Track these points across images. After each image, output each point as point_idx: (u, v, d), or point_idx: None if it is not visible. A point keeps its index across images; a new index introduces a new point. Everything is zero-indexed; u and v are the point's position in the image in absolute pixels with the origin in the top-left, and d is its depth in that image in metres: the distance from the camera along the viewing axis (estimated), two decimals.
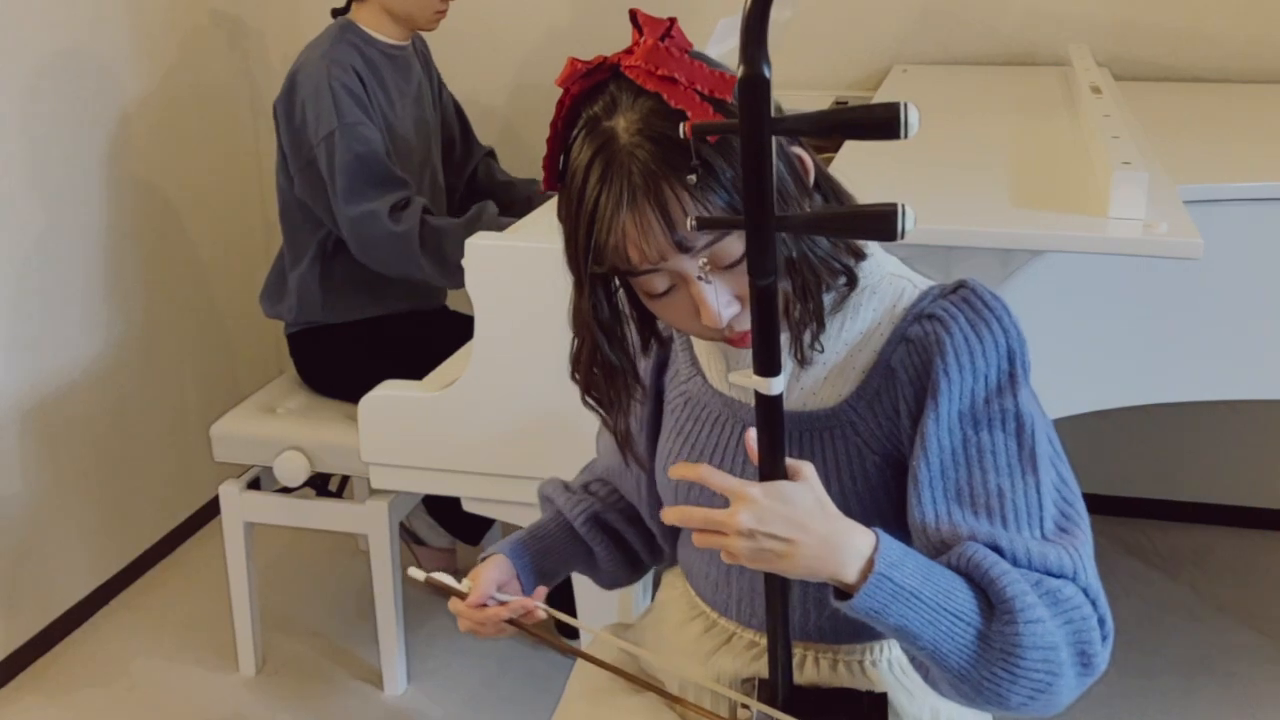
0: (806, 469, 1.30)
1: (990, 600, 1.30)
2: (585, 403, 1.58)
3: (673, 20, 1.41)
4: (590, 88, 1.41)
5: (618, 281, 1.48)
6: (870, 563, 1.26)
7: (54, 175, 3.31)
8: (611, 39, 3.88)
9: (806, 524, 1.26)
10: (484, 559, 1.71)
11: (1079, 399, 2.46)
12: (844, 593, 1.28)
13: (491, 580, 1.64)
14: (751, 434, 1.30)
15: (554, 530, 1.79)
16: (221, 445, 3.13)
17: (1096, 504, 3.87)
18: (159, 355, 3.75)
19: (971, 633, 1.28)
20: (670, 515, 1.33)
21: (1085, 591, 1.33)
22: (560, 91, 1.43)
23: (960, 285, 1.44)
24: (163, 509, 3.82)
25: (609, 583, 1.85)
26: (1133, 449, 3.84)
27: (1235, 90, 3.40)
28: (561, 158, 1.43)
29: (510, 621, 1.62)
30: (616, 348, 1.50)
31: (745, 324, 1.39)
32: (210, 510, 3.91)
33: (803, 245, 1.38)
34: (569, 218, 1.41)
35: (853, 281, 1.46)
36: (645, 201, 1.34)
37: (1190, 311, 2.48)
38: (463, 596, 1.62)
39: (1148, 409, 2.69)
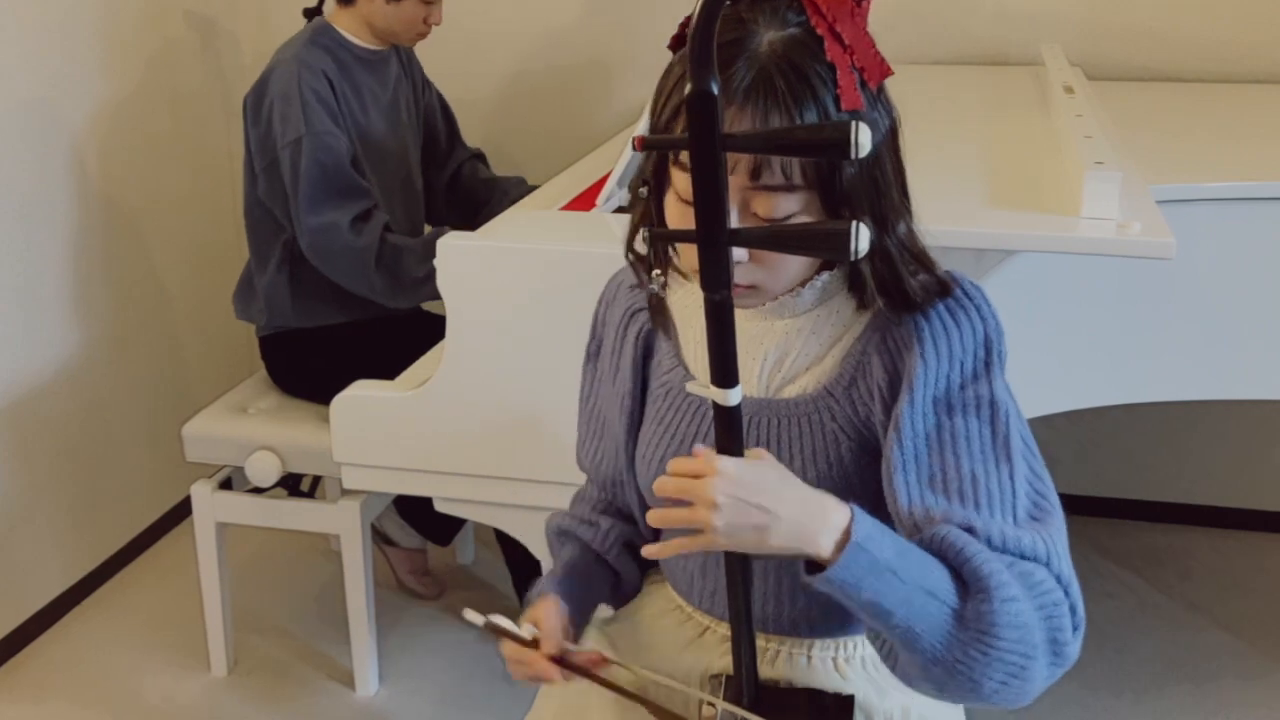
0: (764, 452, 1.30)
1: (965, 580, 1.28)
2: (626, 258, 1.58)
3: None
4: None
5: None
6: (846, 534, 1.25)
7: (27, 178, 3.29)
8: (604, 38, 3.88)
9: (780, 492, 1.25)
10: (533, 599, 1.63)
11: (1053, 399, 2.47)
12: (816, 568, 1.26)
13: (559, 629, 1.55)
14: (699, 448, 1.29)
15: (586, 565, 1.73)
16: (193, 445, 3.11)
17: (1071, 504, 3.86)
18: (131, 355, 3.73)
19: (946, 611, 1.26)
20: (652, 517, 1.31)
21: (1058, 578, 1.32)
22: None
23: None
24: (135, 509, 3.80)
25: (623, 603, 1.78)
26: (1108, 449, 3.85)
27: (1208, 90, 3.41)
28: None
29: (571, 667, 1.53)
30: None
31: (741, 276, 1.38)
32: (182, 510, 3.90)
33: (886, 241, 1.39)
34: (665, 80, 1.40)
35: (945, 289, 1.44)
36: (750, 109, 1.31)
37: (1164, 312, 2.49)
38: (524, 643, 1.53)
39: (1123, 409, 2.70)
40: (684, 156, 1.34)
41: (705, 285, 1.19)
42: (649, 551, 1.32)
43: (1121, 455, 3.86)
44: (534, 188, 3.36)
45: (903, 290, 1.41)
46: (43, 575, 3.46)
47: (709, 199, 1.15)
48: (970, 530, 1.32)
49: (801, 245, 1.21)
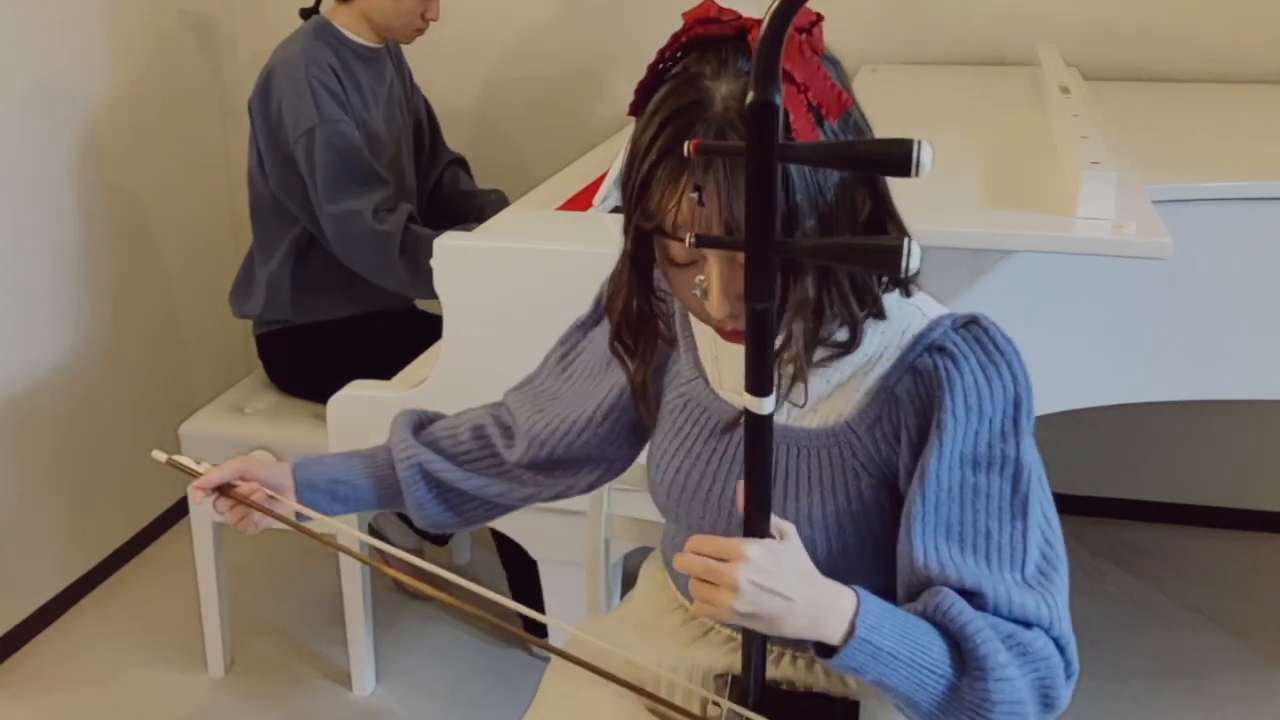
0: (790, 530, 1.31)
1: (964, 655, 1.33)
2: (612, 347, 1.58)
3: (820, 18, 1.36)
4: (709, 37, 1.37)
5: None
6: (852, 626, 1.28)
7: (24, 177, 3.29)
8: (598, 38, 3.88)
9: (799, 587, 1.27)
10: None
11: (1050, 399, 2.47)
12: (823, 647, 1.30)
13: (232, 471, 1.68)
14: (742, 485, 1.30)
15: (367, 463, 1.80)
16: (190, 445, 3.11)
17: (1068, 504, 3.87)
18: (128, 354, 3.73)
19: (943, 685, 1.32)
20: (678, 563, 1.31)
21: (1056, 640, 1.37)
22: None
23: (973, 321, 1.43)
24: (131, 509, 3.80)
25: (426, 525, 1.85)
26: (1104, 449, 3.85)
27: (1204, 90, 3.41)
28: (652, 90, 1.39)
29: (234, 497, 1.68)
30: (650, 296, 1.48)
31: (741, 324, 1.38)
32: (179, 510, 3.90)
33: (822, 290, 1.38)
34: (633, 153, 1.38)
35: (854, 341, 1.44)
36: (713, 174, 1.30)
37: (1160, 311, 2.49)
38: (196, 475, 1.69)
39: (1119, 409, 2.70)
40: (672, 230, 1.35)
41: (750, 295, 1.18)
42: (679, 565, 1.32)
43: (1120, 455, 3.86)
44: (509, 202, 3.38)
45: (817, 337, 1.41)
46: (40, 575, 3.46)
47: (761, 209, 1.14)
48: (980, 593, 1.35)
49: (852, 261, 1.20)
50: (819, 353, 1.43)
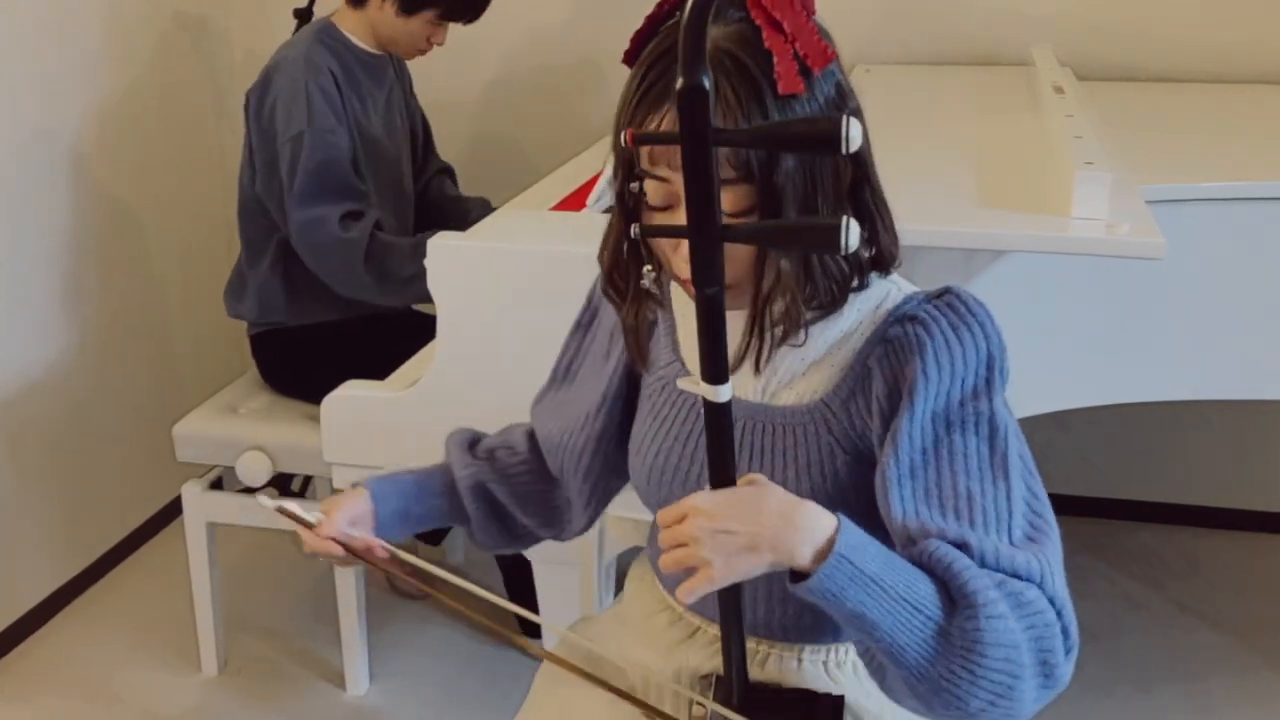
0: (757, 477, 1.30)
1: (952, 595, 1.27)
2: (605, 291, 1.57)
3: None
4: None
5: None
6: (831, 543, 1.24)
7: (17, 176, 3.29)
8: (593, 37, 3.87)
9: (758, 511, 1.25)
10: (350, 488, 1.73)
11: (1043, 399, 2.47)
12: (801, 576, 1.25)
13: (345, 517, 1.66)
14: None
15: (436, 483, 1.78)
16: (184, 445, 3.11)
17: (1061, 504, 3.87)
18: (121, 354, 3.73)
19: (931, 626, 1.25)
20: (664, 562, 1.29)
21: (1051, 599, 1.30)
22: None
23: (945, 291, 1.43)
24: (125, 509, 3.80)
25: (481, 545, 1.84)
26: (1097, 449, 3.85)
27: (1198, 90, 3.41)
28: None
29: (353, 552, 1.65)
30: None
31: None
32: (172, 511, 3.89)
33: (812, 262, 1.38)
34: (623, 96, 1.39)
35: (840, 298, 1.44)
36: None
37: (1154, 312, 2.49)
38: (311, 528, 1.65)
39: (1113, 409, 2.70)
40: (650, 166, 1.35)
41: (696, 281, 1.18)
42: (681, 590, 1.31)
43: (1113, 455, 3.86)
44: (493, 209, 3.38)
45: (806, 295, 1.40)
46: (33, 575, 3.45)
47: (700, 194, 1.15)
48: (964, 546, 1.30)
49: (791, 241, 1.21)
50: (805, 314, 1.43)
